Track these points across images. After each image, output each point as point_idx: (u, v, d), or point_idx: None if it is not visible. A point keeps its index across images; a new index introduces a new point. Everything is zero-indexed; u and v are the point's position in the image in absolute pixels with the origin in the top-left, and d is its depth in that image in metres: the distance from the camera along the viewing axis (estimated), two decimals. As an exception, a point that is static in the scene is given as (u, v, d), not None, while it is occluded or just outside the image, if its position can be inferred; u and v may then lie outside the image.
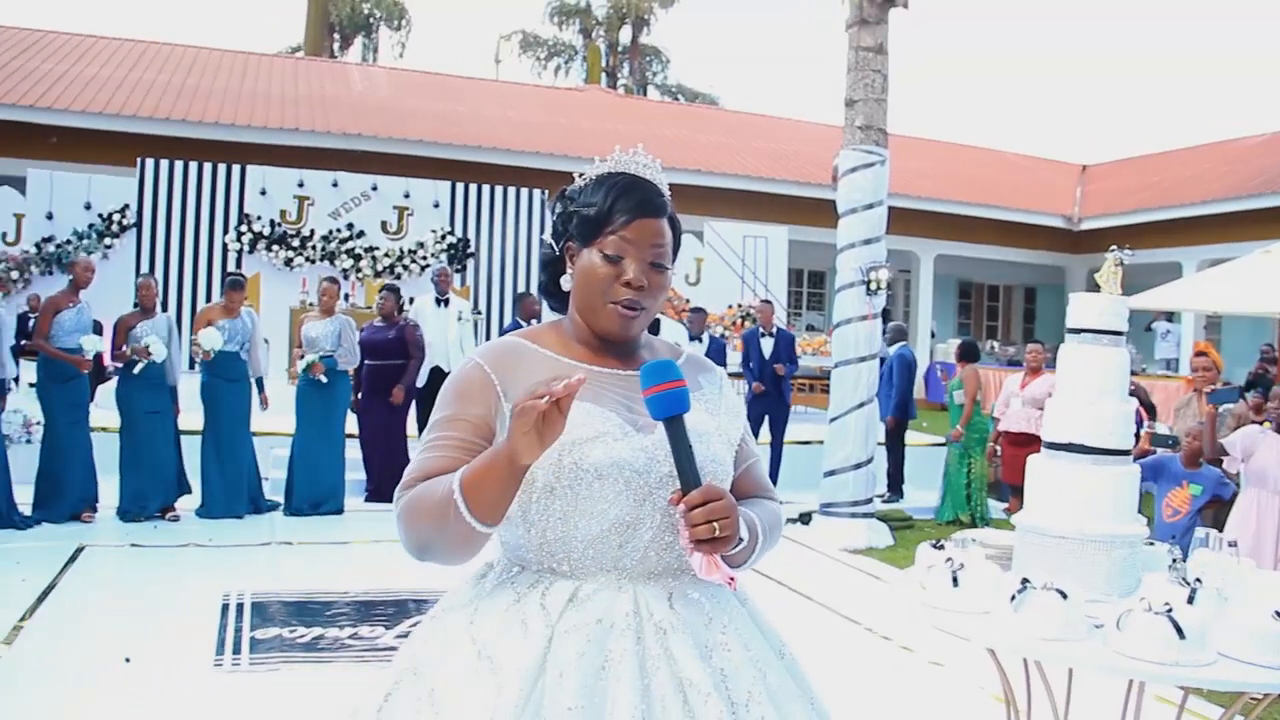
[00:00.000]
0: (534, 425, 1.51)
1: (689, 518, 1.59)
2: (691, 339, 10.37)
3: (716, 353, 10.35)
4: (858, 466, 8.92)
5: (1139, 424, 11.13)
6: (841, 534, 8.70)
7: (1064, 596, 2.66)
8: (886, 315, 23.48)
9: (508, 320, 15.42)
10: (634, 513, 1.70)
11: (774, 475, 10.16)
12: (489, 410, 1.75)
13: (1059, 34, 78.34)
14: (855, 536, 8.66)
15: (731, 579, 1.64)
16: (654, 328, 4.55)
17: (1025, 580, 2.73)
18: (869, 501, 9.00)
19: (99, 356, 8.04)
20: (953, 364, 11.09)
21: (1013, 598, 2.71)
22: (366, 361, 9.00)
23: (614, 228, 1.78)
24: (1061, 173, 25.52)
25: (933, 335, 22.05)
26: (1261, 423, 6.06)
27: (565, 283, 1.85)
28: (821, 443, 9.51)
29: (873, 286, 8.99)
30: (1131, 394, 3.85)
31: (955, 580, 2.88)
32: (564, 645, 1.64)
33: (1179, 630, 2.50)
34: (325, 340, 8.55)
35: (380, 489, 8.99)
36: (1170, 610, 2.54)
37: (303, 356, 8.60)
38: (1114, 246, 3.32)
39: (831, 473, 9.00)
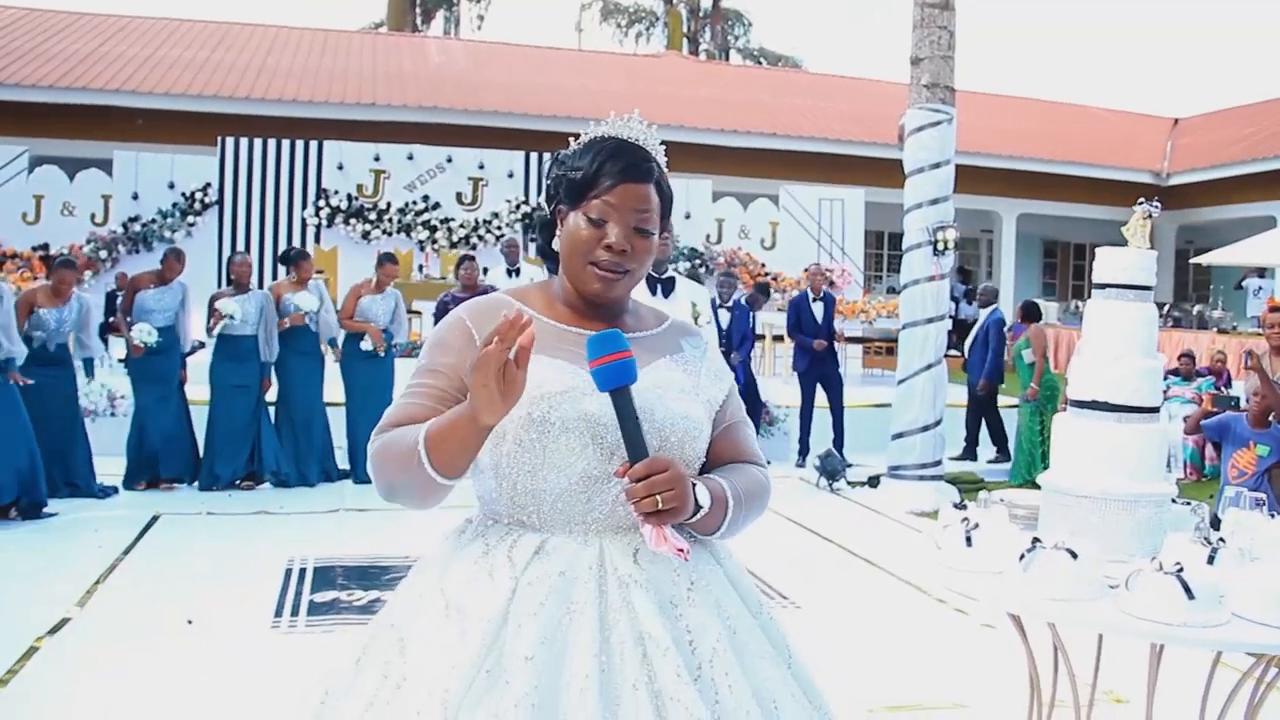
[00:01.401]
0: (493, 378, 1.53)
1: (631, 490, 1.62)
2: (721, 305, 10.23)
3: (741, 318, 10.20)
4: (925, 429, 8.81)
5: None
6: (909, 497, 8.62)
7: (1074, 556, 2.62)
8: (966, 276, 23.12)
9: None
10: (601, 468, 1.72)
11: (839, 441, 10.07)
12: (465, 361, 1.75)
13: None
14: (923, 499, 8.56)
15: (681, 550, 1.63)
16: (668, 288, 4.54)
17: (1036, 540, 2.68)
18: (937, 464, 8.89)
19: (155, 345, 8.16)
20: (1020, 325, 10.84)
21: (1022, 557, 2.67)
22: None
23: (598, 191, 1.79)
24: (1151, 127, 24.73)
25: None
26: None
27: (556, 244, 1.88)
28: (890, 405, 9.41)
29: (940, 246, 8.84)
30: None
31: (969, 540, 2.85)
32: (526, 595, 1.67)
33: (1188, 590, 2.45)
34: (382, 316, 8.69)
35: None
36: (1180, 570, 2.48)
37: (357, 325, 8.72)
38: (1141, 200, 3.22)
39: (899, 435, 8.91)
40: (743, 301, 10.72)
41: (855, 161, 19.73)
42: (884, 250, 23.14)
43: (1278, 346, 6.74)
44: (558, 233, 1.87)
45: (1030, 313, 10.28)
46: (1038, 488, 3.31)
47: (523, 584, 1.69)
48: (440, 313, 9.17)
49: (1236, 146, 20.67)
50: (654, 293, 4.42)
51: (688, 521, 1.71)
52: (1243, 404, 6.07)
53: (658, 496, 1.61)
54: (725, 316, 10.04)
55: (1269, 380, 5.89)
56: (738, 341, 9.94)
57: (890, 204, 18.23)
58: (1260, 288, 17.86)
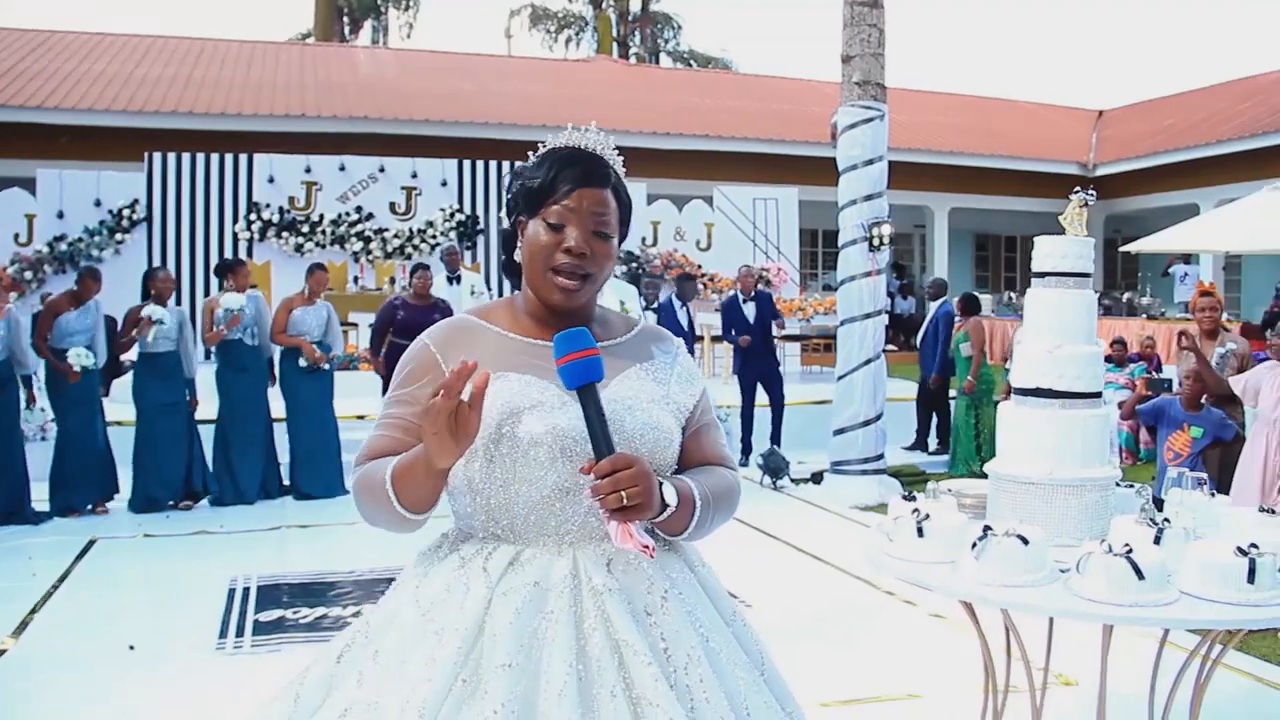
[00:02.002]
0: (444, 426, 1.57)
1: (596, 487, 1.63)
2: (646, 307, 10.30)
3: (668, 318, 10.30)
4: (866, 424, 8.87)
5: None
6: (853, 492, 8.67)
7: (1025, 542, 2.64)
8: (900, 271, 23.37)
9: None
10: (572, 480, 1.73)
11: (776, 436, 10.13)
12: (431, 388, 1.76)
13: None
14: (867, 493, 8.62)
15: (647, 547, 1.64)
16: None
17: (987, 528, 2.70)
18: (879, 458, 8.96)
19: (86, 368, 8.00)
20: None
21: (974, 545, 2.69)
22: (396, 340, 8.96)
23: (556, 197, 1.82)
24: (1077, 119, 25.19)
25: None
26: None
27: (518, 256, 1.89)
28: (830, 402, 9.47)
29: (875, 242, 8.91)
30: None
31: (920, 531, 2.86)
32: (502, 605, 1.69)
33: (1137, 571, 2.47)
34: (315, 327, 8.57)
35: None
36: (1130, 551, 2.51)
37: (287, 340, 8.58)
38: (1077, 189, 3.26)
39: (840, 431, 8.96)
40: (673, 299, 10.77)
41: (788, 161, 19.86)
42: (818, 248, 23.32)
43: (1209, 330, 6.88)
44: (519, 244, 1.89)
45: (969, 306, 10.41)
46: (976, 477, 3.34)
47: (498, 594, 1.70)
48: (384, 316, 9.07)
49: (1159, 137, 21.12)
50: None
51: (656, 522, 1.73)
52: (1176, 388, 6.17)
53: (623, 493, 1.61)
54: (652, 318, 10.07)
55: (1205, 360, 6.00)
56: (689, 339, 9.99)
57: (824, 202, 18.36)
58: (1186, 274, 18.26)
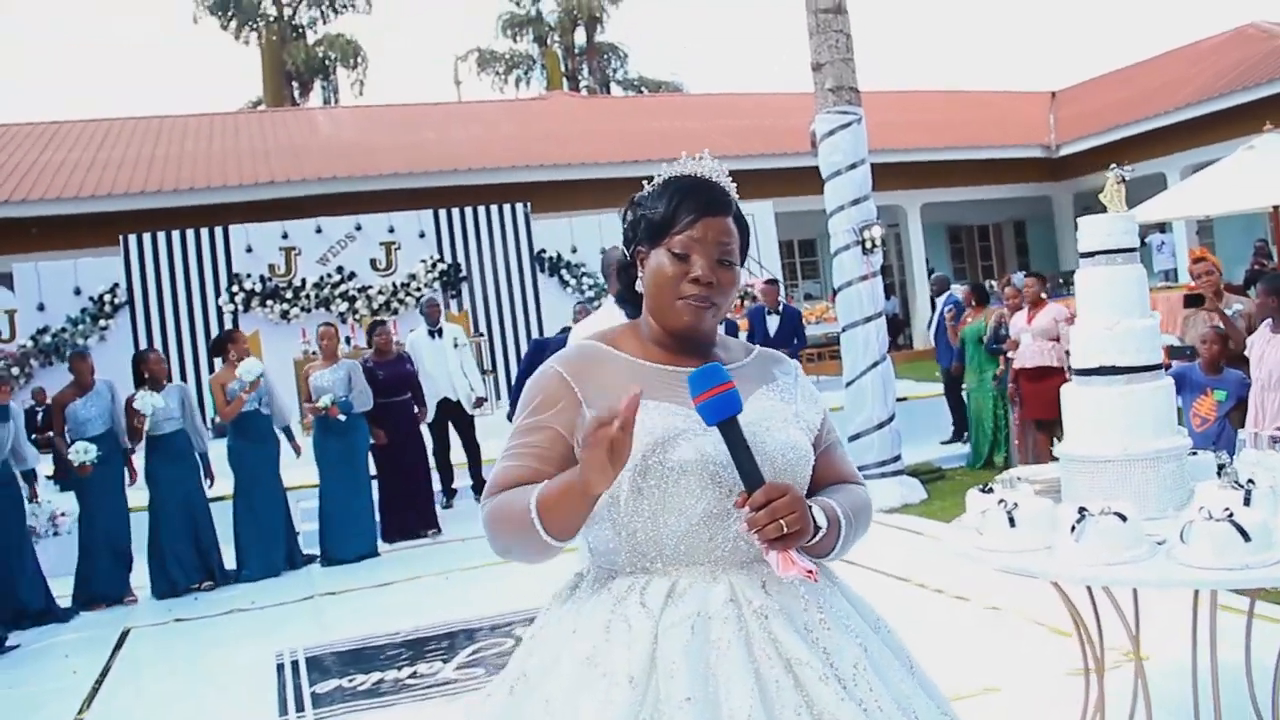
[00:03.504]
0: (605, 452, 1.56)
1: (753, 519, 1.63)
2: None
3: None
4: (880, 426, 8.89)
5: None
6: (875, 495, 8.38)
7: (1123, 519, 2.64)
8: (881, 271, 23.44)
9: (509, 336, 15.41)
10: (721, 504, 1.73)
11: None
12: (569, 417, 1.79)
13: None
14: (889, 495, 8.61)
15: (810, 571, 1.64)
16: None
17: (1083, 509, 2.70)
18: (897, 459, 8.97)
19: (102, 455, 7.91)
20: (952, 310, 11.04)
21: (1073, 528, 2.69)
22: (381, 400, 8.92)
23: (680, 227, 1.82)
24: (1033, 102, 25.41)
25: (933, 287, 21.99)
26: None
27: (640, 286, 1.89)
28: (840, 409, 9.48)
29: (868, 245, 8.97)
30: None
31: (1012, 520, 2.87)
32: (669, 640, 1.67)
33: (1243, 533, 2.48)
34: (337, 386, 8.51)
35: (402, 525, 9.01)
36: (1231, 515, 2.52)
37: (315, 403, 8.55)
38: (1113, 165, 3.29)
39: (856, 436, 8.96)
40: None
41: (757, 175, 19.88)
42: (795, 258, 23.41)
43: (1214, 294, 6.93)
44: (639, 274, 1.89)
45: (980, 296, 10.44)
46: (997, 471, 3.35)
47: (664, 628, 1.68)
48: (367, 379, 8.99)
49: (1117, 110, 21.32)
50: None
51: (805, 545, 1.72)
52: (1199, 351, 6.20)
53: (781, 521, 1.61)
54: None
55: (1228, 319, 6.03)
56: None
57: (795, 211, 18.56)
58: (1163, 243, 18.45)
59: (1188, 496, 2.95)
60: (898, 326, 21.56)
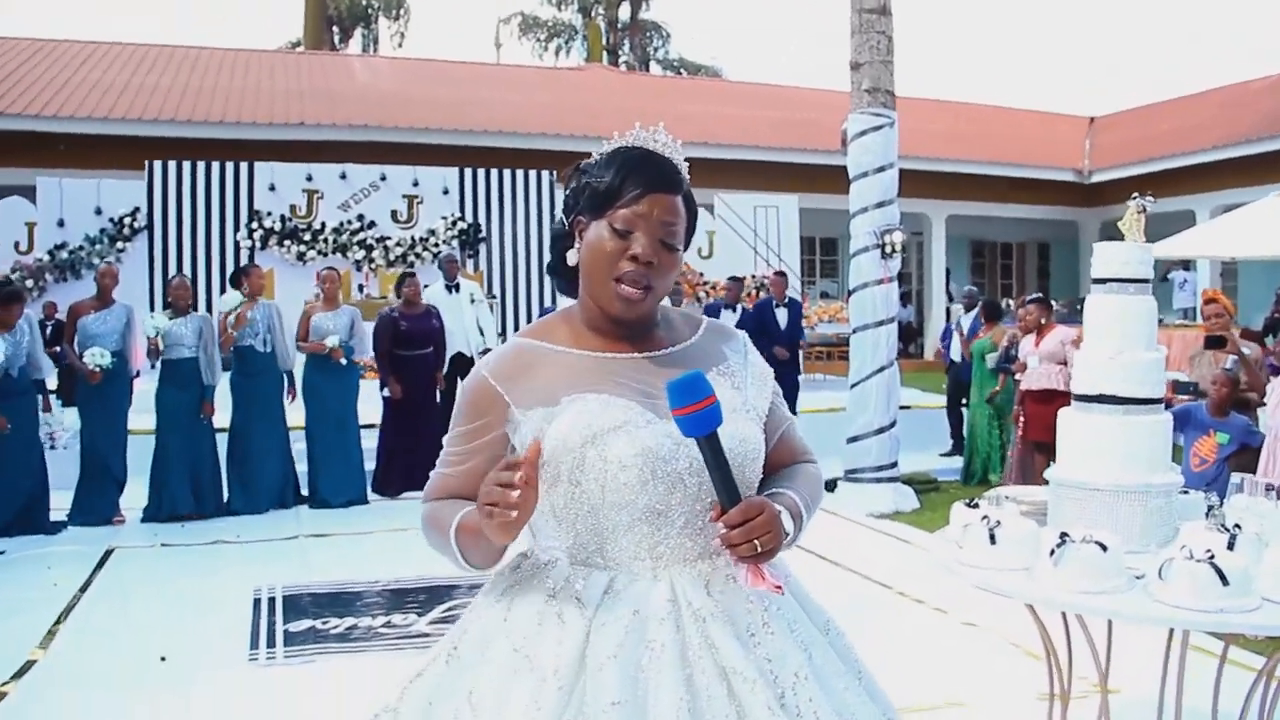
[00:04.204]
0: (499, 517, 1.53)
1: (727, 537, 1.58)
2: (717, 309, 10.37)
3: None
4: (880, 431, 8.87)
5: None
6: (867, 499, 8.66)
7: (1104, 549, 2.64)
8: (900, 278, 23.38)
9: (522, 303, 15.45)
10: (664, 500, 1.66)
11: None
12: (496, 425, 1.74)
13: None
14: (881, 501, 8.62)
15: (778, 586, 1.61)
16: None
17: (1064, 534, 2.70)
18: (893, 465, 8.96)
19: (110, 367, 7.96)
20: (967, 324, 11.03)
21: (1052, 552, 2.68)
22: (401, 352, 8.93)
23: (625, 201, 1.72)
24: (1070, 126, 25.28)
25: (950, 297, 21.93)
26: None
27: (571, 257, 1.80)
28: (843, 410, 9.47)
29: (888, 249, 8.93)
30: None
31: (993, 538, 2.86)
32: (602, 639, 1.61)
33: (1222, 577, 2.48)
34: (340, 331, 8.54)
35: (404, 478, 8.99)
36: (1213, 557, 2.51)
37: (323, 342, 8.56)
38: (1135, 194, 3.27)
39: (855, 439, 8.96)
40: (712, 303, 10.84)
41: (785, 168, 19.89)
42: (816, 255, 23.36)
43: (1211, 338, 6.91)
44: (575, 246, 1.80)
45: (992, 313, 10.40)
46: (989, 487, 3.34)
47: (596, 626, 1.63)
48: (385, 330, 8.98)
49: (1153, 143, 21.22)
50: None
51: None
52: (1203, 386, 6.18)
53: (756, 541, 1.57)
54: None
55: (1248, 362, 6.01)
56: None
57: (820, 209, 18.51)
58: (1185, 280, 18.34)
59: (1173, 534, 2.94)
60: (910, 335, 21.51)
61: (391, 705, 1.77)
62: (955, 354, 11.28)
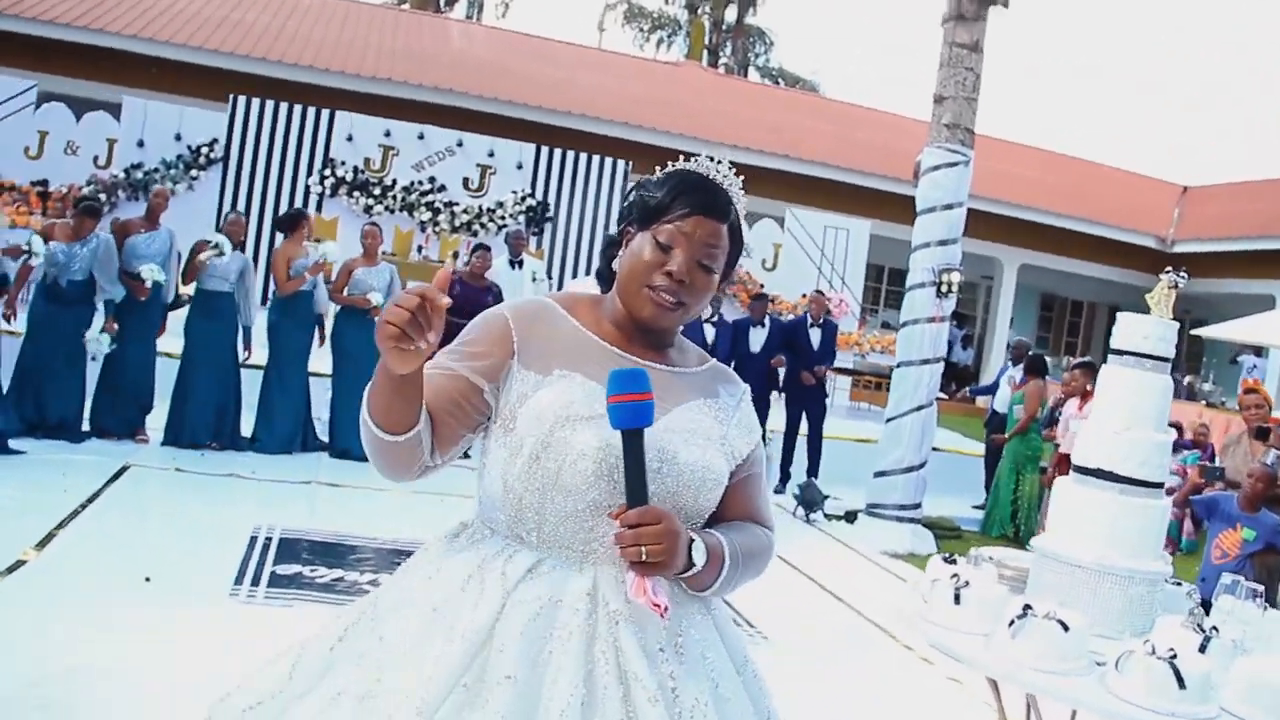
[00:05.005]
0: (390, 339, 1.54)
1: (619, 535, 1.59)
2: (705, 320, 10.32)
3: (725, 335, 10.33)
4: (909, 470, 8.75)
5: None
6: (884, 537, 8.54)
7: (1065, 628, 2.54)
8: (962, 320, 23.04)
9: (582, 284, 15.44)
10: (611, 499, 1.69)
11: (814, 468, 10.07)
12: (498, 356, 1.77)
13: (1168, 50, 75.82)
14: (898, 541, 8.50)
15: (658, 606, 1.59)
16: None
17: (1028, 607, 2.61)
18: (916, 506, 8.83)
19: (158, 286, 8.07)
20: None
21: (1012, 622, 2.60)
22: (450, 318, 8.96)
23: (671, 217, 1.79)
24: (1160, 191, 24.75)
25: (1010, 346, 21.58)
26: None
27: (616, 264, 1.86)
28: (874, 441, 9.35)
29: (944, 288, 8.79)
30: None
31: (957, 598, 2.78)
32: (514, 615, 1.64)
33: (1179, 679, 2.37)
34: (379, 286, 8.59)
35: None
36: (1174, 657, 2.41)
37: (363, 295, 8.62)
38: (1169, 269, 3.16)
39: (882, 473, 8.85)
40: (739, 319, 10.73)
41: (863, 192, 19.70)
42: (883, 285, 23.11)
43: (1258, 430, 6.70)
44: (620, 253, 1.85)
45: (1036, 367, 10.20)
46: (1008, 542, 3.24)
47: (512, 602, 1.65)
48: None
49: (1245, 221, 20.68)
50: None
51: (679, 576, 1.68)
52: (1228, 475, 6.00)
53: (643, 549, 1.58)
54: (710, 332, 10.07)
55: None
56: (725, 356, 9.94)
57: (894, 239, 18.27)
58: (1255, 365, 17.86)
59: (1150, 624, 2.84)
60: (966, 378, 21.20)
61: (305, 640, 1.80)
62: (1001, 405, 11.08)
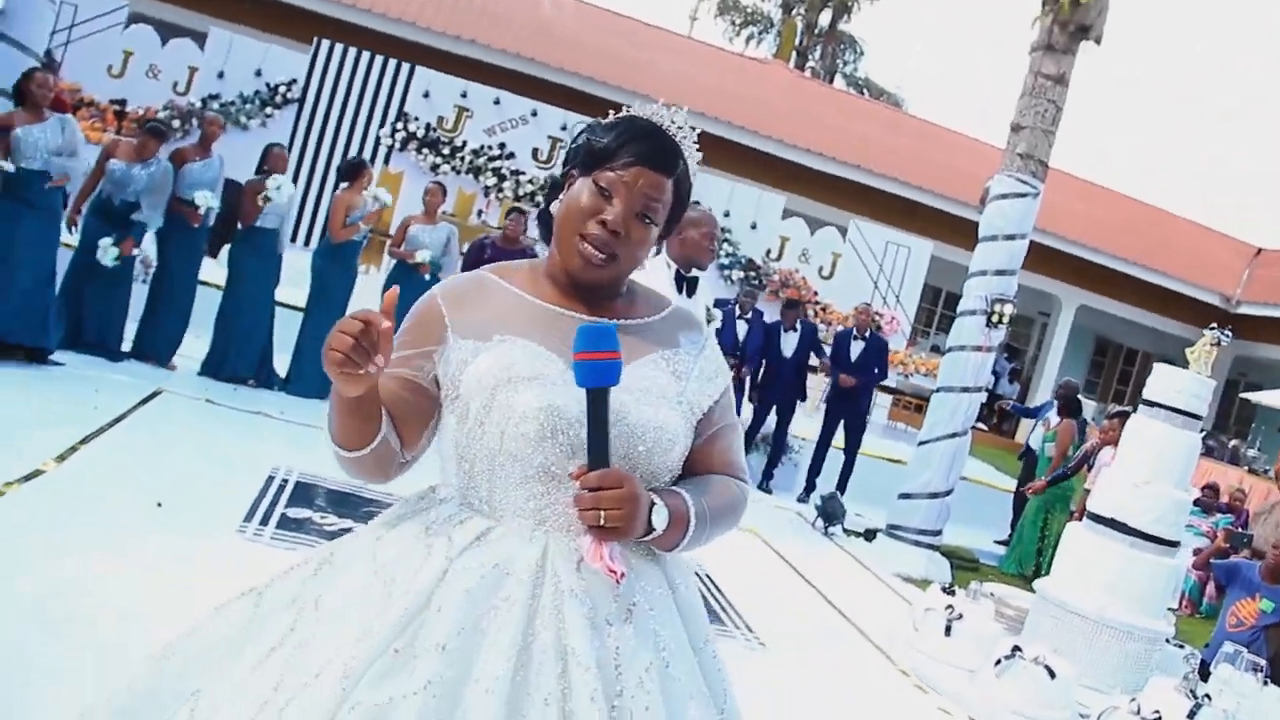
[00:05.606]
0: (336, 365, 1.50)
1: (579, 498, 1.56)
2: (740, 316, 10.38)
3: (757, 332, 10.44)
4: (934, 496, 8.65)
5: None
6: (901, 559, 8.45)
7: (1052, 675, 2.49)
8: (1013, 354, 22.72)
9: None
10: (560, 464, 1.65)
11: (843, 483, 10.01)
12: (430, 342, 1.74)
13: (1258, 111, 74.18)
14: (914, 565, 8.40)
15: (614, 572, 1.56)
16: (693, 287, 4.38)
17: (1017, 648, 2.56)
18: (937, 533, 8.73)
19: (209, 213, 8.15)
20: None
21: (998, 662, 2.54)
22: None
23: (614, 164, 1.73)
24: (1230, 249, 24.23)
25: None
26: None
27: (555, 208, 1.80)
28: (904, 463, 9.26)
29: (994, 319, 8.67)
30: None
31: (949, 629, 2.73)
32: (455, 581, 1.60)
33: (1161, 742, 2.31)
34: (434, 246, 8.62)
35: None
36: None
37: (408, 255, 8.67)
38: (1213, 325, 3.08)
39: (906, 495, 8.76)
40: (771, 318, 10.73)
41: (929, 211, 19.51)
42: (938, 307, 22.87)
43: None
44: (561, 197, 1.79)
45: (1070, 407, 10.06)
46: (1028, 581, 3.18)
47: (455, 568, 1.62)
48: (473, 256, 9.07)
49: (1313, 290, 20.27)
50: (679, 290, 4.31)
51: (640, 540, 1.64)
52: (1256, 543, 5.86)
53: (602, 513, 1.54)
54: (743, 328, 10.08)
55: None
56: (753, 354, 9.96)
57: (955, 263, 18.05)
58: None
59: (1142, 683, 2.77)
60: (1007, 413, 20.92)
61: (259, 589, 1.78)
62: (1035, 442, 10.95)
